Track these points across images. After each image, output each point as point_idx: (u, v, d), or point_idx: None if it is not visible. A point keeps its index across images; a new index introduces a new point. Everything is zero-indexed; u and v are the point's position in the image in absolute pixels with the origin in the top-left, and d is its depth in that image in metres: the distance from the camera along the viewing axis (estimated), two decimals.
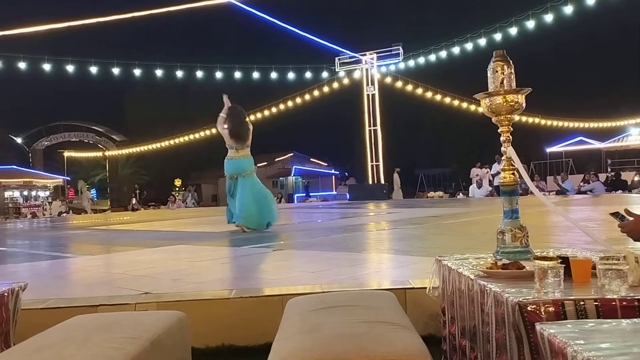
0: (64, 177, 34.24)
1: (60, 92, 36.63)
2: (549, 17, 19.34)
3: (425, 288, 2.58)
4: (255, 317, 2.94)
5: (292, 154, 41.78)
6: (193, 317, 2.44)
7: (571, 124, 29.77)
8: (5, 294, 2.23)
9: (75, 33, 20.98)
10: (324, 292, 2.98)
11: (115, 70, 23.01)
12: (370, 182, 23.52)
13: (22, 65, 20.92)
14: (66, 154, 36.17)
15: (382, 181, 23.19)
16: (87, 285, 4.01)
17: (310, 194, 33.49)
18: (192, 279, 3.88)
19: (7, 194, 30.21)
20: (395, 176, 23.26)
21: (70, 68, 21.84)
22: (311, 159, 43.10)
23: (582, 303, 1.49)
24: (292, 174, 39.42)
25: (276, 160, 40.55)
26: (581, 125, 30.00)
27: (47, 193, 32.52)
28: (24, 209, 27.34)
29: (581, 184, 18.82)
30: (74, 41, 25.75)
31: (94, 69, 22.39)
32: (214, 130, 27.37)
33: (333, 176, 40.02)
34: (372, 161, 23.53)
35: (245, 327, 2.91)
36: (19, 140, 35.19)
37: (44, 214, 25.09)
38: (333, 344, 1.60)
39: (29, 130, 35.46)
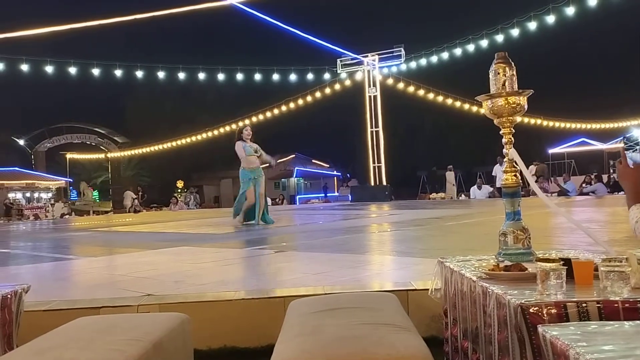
0: (67, 179, 34.28)
1: (62, 94, 36.74)
2: (550, 19, 19.34)
3: (428, 290, 2.57)
4: (257, 319, 2.94)
5: (294, 155, 41.81)
6: (195, 318, 2.44)
7: (573, 125, 29.74)
8: (9, 296, 2.23)
9: (77, 35, 21.07)
10: (326, 293, 2.97)
11: (118, 72, 23.07)
12: (373, 184, 23.52)
13: (24, 67, 21.00)
14: (68, 155, 36.20)
15: (384, 182, 23.18)
16: (90, 287, 4.01)
17: (313, 195, 33.49)
18: (194, 281, 3.88)
19: (10, 195, 30.26)
20: (449, 174, 22.58)
21: (72, 70, 21.92)
22: (313, 161, 43.13)
23: (584, 305, 1.48)
24: (294, 176, 39.44)
25: (278, 161, 40.57)
26: (583, 126, 29.98)
27: (50, 195, 32.57)
28: (27, 210, 27.39)
29: (583, 185, 18.79)
30: (76, 43, 25.84)
31: (96, 71, 22.46)
32: (215, 132, 27.64)
33: (335, 177, 40.04)
34: (374, 162, 23.53)
35: (248, 328, 2.91)
36: (21, 142, 35.24)
37: (46, 215, 25.13)
38: (335, 346, 1.60)
39: (31, 132, 35.49)
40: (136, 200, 25.77)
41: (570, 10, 18.70)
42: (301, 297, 2.66)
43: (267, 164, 10.66)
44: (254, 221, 9.54)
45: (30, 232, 12.98)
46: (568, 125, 29.58)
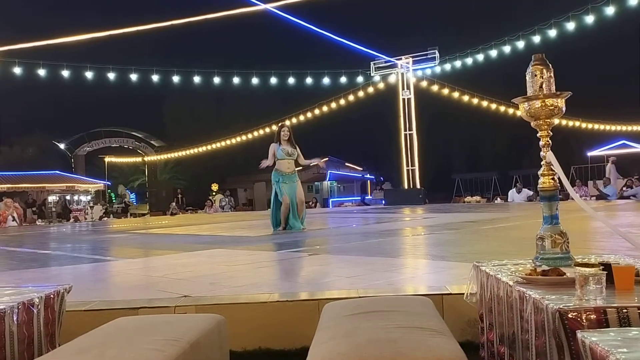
0: (105, 182, 35.04)
1: (101, 99, 37.58)
2: (589, 19, 18.91)
3: (463, 294, 2.55)
4: (291, 321, 2.96)
5: (327, 158, 41.79)
6: (230, 320, 2.47)
7: (613, 127, 29.01)
8: (52, 295, 2.30)
9: (115, 42, 21.52)
10: (360, 297, 2.97)
11: (155, 77, 23.53)
12: (406, 187, 23.37)
13: (65, 73, 21.55)
14: (107, 159, 37.06)
15: (418, 186, 23.02)
16: (128, 288, 4.09)
17: (346, 198, 33.36)
18: (230, 283, 3.92)
19: (51, 198, 31.08)
20: (611, 167, 19.61)
21: (111, 76, 22.42)
22: (346, 164, 43.06)
23: (624, 311, 1.45)
24: (327, 179, 39.46)
25: (311, 165, 40.59)
26: (624, 128, 29.21)
27: (89, 197, 33.35)
28: None
29: (624, 188, 18.31)
30: (115, 49, 26.40)
31: (134, 77, 22.94)
32: (249, 136, 27.91)
33: (368, 181, 39.90)
34: (407, 165, 23.38)
35: (282, 331, 2.93)
36: (62, 146, 36.27)
37: (85, 218, 25.71)
38: (369, 348, 1.60)
39: (71, 137, 36.51)
40: (173, 204, 26.16)
41: (610, 10, 18.26)
42: (335, 300, 2.67)
43: (310, 165, 10.46)
44: (298, 227, 9.11)
45: (70, 234, 13.31)
46: (607, 127, 28.87)
